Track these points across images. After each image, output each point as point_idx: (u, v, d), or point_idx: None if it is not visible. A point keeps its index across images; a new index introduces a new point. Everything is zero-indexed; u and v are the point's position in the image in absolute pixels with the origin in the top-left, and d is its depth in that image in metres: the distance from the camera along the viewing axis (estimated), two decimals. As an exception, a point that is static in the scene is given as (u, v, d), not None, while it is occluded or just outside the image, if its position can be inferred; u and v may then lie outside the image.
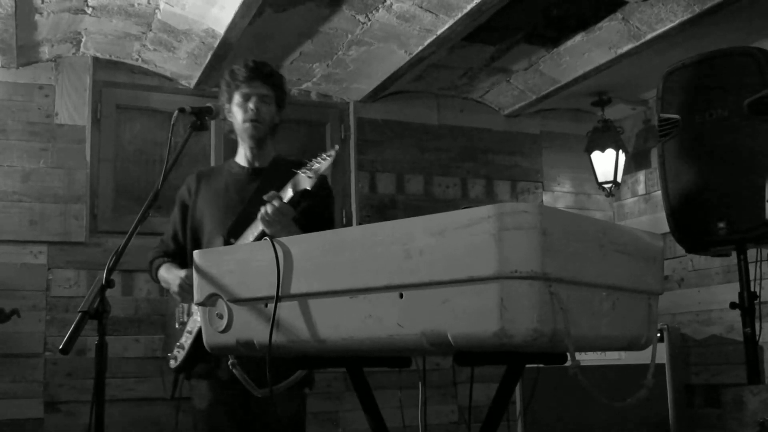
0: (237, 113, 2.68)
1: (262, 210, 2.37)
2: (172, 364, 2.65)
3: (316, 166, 2.33)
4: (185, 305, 2.69)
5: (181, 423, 2.89)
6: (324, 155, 2.32)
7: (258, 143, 2.71)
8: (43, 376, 3.76)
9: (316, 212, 2.61)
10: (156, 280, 2.80)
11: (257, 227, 2.43)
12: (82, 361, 3.76)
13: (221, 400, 2.64)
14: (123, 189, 4.18)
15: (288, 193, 2.38)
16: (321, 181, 2.52)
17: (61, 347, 1.82)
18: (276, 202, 2.35)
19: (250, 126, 2.67)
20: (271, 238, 1.78)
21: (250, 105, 2.66)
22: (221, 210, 2.68)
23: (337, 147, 2.37)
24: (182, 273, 2.60)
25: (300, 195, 2.38)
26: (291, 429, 2.67)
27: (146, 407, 3.88)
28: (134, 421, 3.85)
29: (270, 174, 2.69)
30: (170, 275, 2.69)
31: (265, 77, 2.69)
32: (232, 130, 2.76)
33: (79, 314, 1.86)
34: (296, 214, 2.44)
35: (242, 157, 2.77)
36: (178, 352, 2.64)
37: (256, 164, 2.74)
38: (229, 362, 2.00)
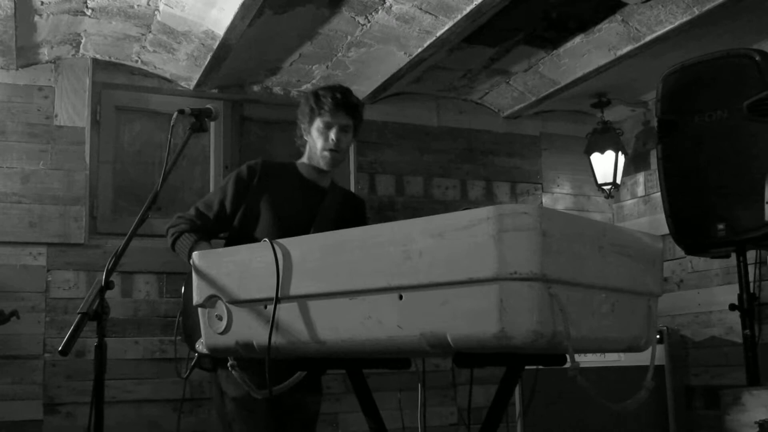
0: (317, 139, 2.73)
1: None
2: (204, 349, 2.61)
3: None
4: None
5: (183, 425, 2.87)
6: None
7: (331, 168, 2.80)
8: (43, 378, 3.75)
9: None
10: (175, 250, 2.69)
11: None
12: (82, 363, 3.75)
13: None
14: (122, 190, 4.17)
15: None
16: (359, 204, 2.93)
17: (60, 349, 1.81)
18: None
19: (329, 155, 2.72)
20: (271, 240, 1.78)
21: (332, 135, 2.70)
22: (284, 216, 2.70)
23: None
24: None
25: None
26: (314, 421, 2.84)
27: (146, 409, 3.88)
28: (134, 423, 3.84)
29: (331, 198, 2.81)
30: None
31: (349, 108, 2.73)
32: (302, 142, 2.81)
33: (79, 316, 1.86)
34: None
35: (308, 170, 2.81)
36: None
37: (319, 183, 2.82)
38: (228, 364, 1.99)
